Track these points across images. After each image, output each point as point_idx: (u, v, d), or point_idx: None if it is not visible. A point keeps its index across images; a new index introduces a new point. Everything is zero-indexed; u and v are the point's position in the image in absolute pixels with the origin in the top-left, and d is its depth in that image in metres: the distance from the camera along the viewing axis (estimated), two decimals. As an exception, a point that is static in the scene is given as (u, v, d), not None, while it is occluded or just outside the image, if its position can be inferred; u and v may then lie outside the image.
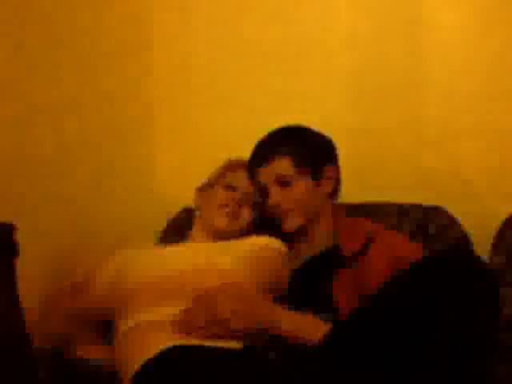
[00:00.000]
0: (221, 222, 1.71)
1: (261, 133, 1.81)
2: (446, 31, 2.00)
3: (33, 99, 2.17)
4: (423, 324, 1.28)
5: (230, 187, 1.75)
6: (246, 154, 1.82)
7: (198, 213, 1.79)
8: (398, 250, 1.65)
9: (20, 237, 1.06)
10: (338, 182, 1.80)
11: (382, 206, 1.91)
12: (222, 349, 1.39)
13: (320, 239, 1.75)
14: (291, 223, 1.74)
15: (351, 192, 1.91)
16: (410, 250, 1.64)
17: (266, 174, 1.74)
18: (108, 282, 1.64)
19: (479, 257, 1.38)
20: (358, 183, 1.97)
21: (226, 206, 1.72)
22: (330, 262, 1.69)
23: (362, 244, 1.67)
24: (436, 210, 1.88)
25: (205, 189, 1.81)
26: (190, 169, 1.87)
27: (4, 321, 1.01)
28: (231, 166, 1.82)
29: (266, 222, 1.79)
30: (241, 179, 1.77)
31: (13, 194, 2.13)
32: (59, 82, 2.17)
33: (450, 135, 2.00)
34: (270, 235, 1.74)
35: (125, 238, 2.10)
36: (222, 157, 1.92)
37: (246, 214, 1.75)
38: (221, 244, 1.69)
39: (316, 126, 1.81)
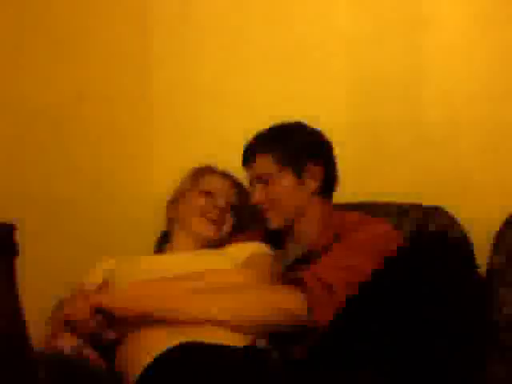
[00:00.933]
0: (208, 230, 1.76)
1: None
2: (446, 31, 2.00)
3: (33, 99, 2.17)
4: (409, 315, 1.28)
5: (207, 193, 1.79)
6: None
7: (176, 224, 1.82)
8: (359, 237, 1.64)
9: (20, 237, 1.06)
10: (325, 181, 1.77)
11: (382, 206, 1.91)
12: (227, 347, 1.40)
13: (306, 239, 1.74)
14: (272, 222, 1.75)
15: (351, 192, 1.91)
16: (368, 234, 1.63)
17: (250, 172, 1.77)
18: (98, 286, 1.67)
19: (458, 244, 1.38)
20: (358, 183, 1.97)
21: (208, 212, 1.76)
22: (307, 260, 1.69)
23: (331, 238, 1.68)
24: (436, 210, 1.88)
25: (177, 200, 1.84)
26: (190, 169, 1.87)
27: (4, 321, 1.01)
28: (202, 172, 1.86)
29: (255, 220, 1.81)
30: (216, 184, 1.81)
31: (13, 194, 2.14)
32: (59, 82, 2.17)
33: (450, 135, 2.00)
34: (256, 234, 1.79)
35: (124, 239, 2.10)
36: (221, 157, 1.93)
37: (229, 220, 1.80)
38: (216, 251, 1.72)
39: (316, 126, 1.81)
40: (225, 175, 1.85)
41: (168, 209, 1.86)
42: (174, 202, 1.85)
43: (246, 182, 1.85)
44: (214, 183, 1.81)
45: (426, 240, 1.41)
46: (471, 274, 1.33)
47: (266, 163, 1.74)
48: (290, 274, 1.60)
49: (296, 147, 1.75)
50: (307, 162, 1.75)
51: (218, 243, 1.77)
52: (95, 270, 1.73)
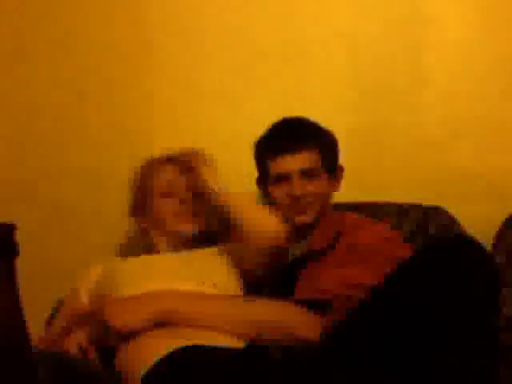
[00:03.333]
0: (185, 227, 1.73)
1: (261, 133, 1.81)
2: (446, 31, 2.00)
3: (33, 99, 2.17)
4: (423, 316, 1.27)
5: (164, 193, 1.75)
6: (245, 154, 1.82)
7: (154, 231, 1.78)
8: (360, 237, 1.66)
9: (20, 237, 1.06)
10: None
11: (381, 206, 1.91)
12: (228, 349, 1.39)
13: (316, 240, 1.73)
14: (305, 217, 1.73)
15: (351, 192, 1.91)
16: (371, 237, 1.65)
17: (293, 162, 1.72)
18: (90, 294, 1.68)
19: (480, 244, 1.36)
20: (357, 183, 1.97)
21: (175, 210, 1.73)
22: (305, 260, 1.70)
23: (331, 238, 1.69)
24: (436, 210, 1.88)
25: (140, 209, 1.80)
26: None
27: (4, 321, 1.01)
28: (147, 171, 1.81)
29: None
30: (167, 180, 1.76)
31: (13, 194, 2.14)
32: (59, 81, 2.17)
33: (450, 135, 2.00)
34: None
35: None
36: (221, 157, 1.92)
37: (199, 207, 1.73)
38: (211, 251, 1.71)
39: (316, 126, 1.81)
40: (167, 162, 1.79)
41: (137, 221, 1.83)
42: (137, 211, 1.82)
43: (248, 181, 1.85)
44: (163, 180, 1.77)
45: (439, 249, 1.37)
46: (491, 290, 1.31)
47: (313, 158, 1.73)
48: (301, 292, 1.60)
49: (334, 147, 1.78)
50: (337, 164, 1.79)
51: (203, 235, 1.74)
52: (88, 275, 1.72)
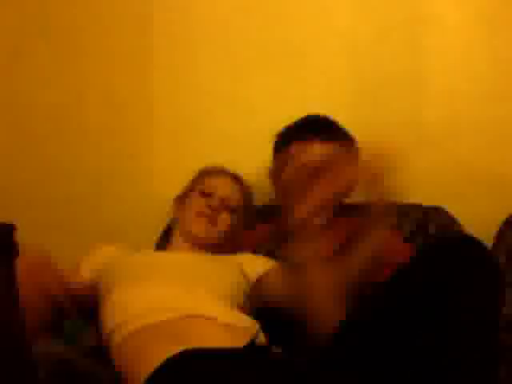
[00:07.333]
0: (198, 229, 1.71)
1: (261, 133, 1.82)
2: (446, 31, 2.00)
3: (33, 99, 2.17)
4: (424, 316, 1.27)
5: (207, 194, 1.75)
6: (245, 154, 1.82)
7: (177, 224, 1.79)
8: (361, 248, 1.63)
9: (20, 237, 1.06)
10: None
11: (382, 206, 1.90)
12: (227, 350, 1.39)
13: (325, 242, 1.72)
14: (328, 215, 1.72)
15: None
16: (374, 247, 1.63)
17: (320, 150, 1.71)
18: (92, 272, 1.67)
19: (481, 243, 1.35)
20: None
21: (203, 212, 1.71)
22: None
23: (344, 239, 1.68)
24: (436, 210, 1.88)
25: (182, 198, 1.81)
26: (190, 169, 1.87)
27: (4, 321, 1.01)
28: (207, 173, 1.83)
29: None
30: (217, 184, 1.77)
31: (13, 194, 2.14)
32: (59, 82, 2.17)
33: (450, 135, 2.00)
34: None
35: (124, 239, 2.09)
36: (221, 157, 1.92)
37: (224, 220, 1.73)
38: (223, 258, 1.69)
39: (316, 125, 1.81)
40: (228, 175, 1.81)
41: (172, 208, 1.84)
42: (177, 201, 1.83)
43: (253, 181, 1.85)
44: (214, 182, 1.78)
45: (440, 249, 1.36)
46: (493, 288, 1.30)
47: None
48: None
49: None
50: None
51: (215, 243, 1.73)
52: (98, 252, 1.72)
